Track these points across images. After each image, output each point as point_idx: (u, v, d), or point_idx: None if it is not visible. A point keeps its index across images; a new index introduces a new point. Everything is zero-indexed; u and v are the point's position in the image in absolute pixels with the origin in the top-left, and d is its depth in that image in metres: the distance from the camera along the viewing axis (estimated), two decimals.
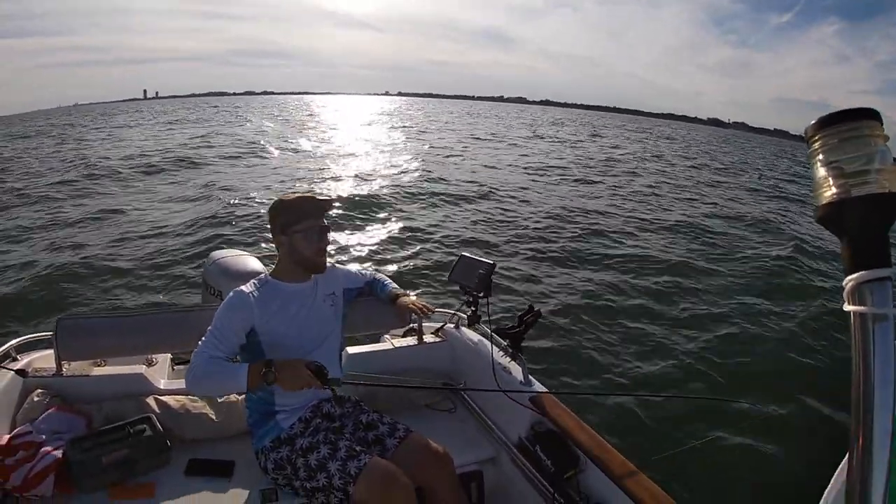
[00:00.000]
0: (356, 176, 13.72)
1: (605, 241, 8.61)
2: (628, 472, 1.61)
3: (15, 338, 2.14)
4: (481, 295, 2.25)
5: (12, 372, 1.96)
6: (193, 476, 1.83)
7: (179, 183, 12.37)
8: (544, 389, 2.06)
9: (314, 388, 1.62)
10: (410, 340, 2.52)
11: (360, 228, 8.68)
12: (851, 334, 0.50)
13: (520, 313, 2.20)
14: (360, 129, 34.42)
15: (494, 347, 2.20)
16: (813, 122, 0.51)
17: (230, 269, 2.57)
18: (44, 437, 1.75)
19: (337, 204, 9.86)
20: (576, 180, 15.24)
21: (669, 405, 3.90)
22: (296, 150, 20.22)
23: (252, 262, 2.64)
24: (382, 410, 1.98)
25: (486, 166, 17.05)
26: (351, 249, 7.49)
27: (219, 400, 2.07)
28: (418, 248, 7.71)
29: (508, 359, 2.21)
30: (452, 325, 2.59)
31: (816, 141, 0.51)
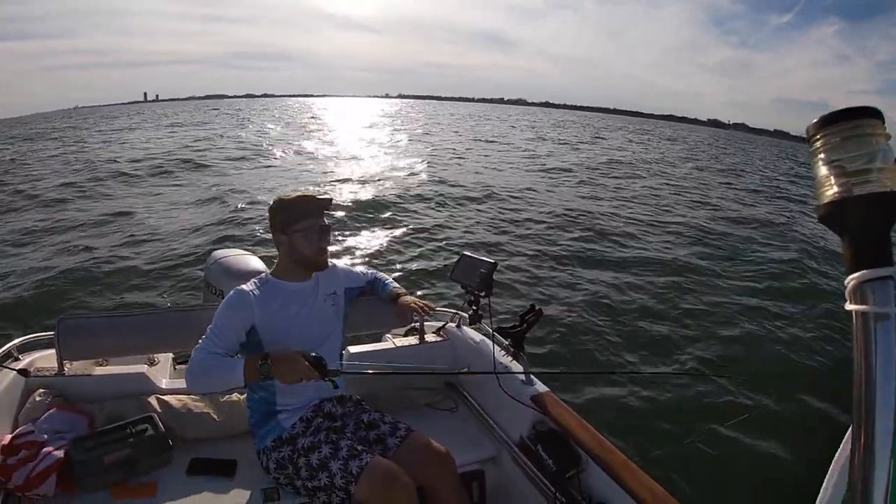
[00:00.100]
0: (362, 178, 13.75)
1: (608, 241, 8.60)
2: (630, 471, 1.61)
3: (17, 337, 2.15)
4: (483, 294, 2.25)
5: (14, 372, 1.96)
6: (195, 475, 1.83)
7: (185, 185, 12.37)
8: (546, 389, 2.06)
9: (313, 380, 1.59)
10: (412, 340, 2.52)
11: (366, 229, 8.68)
12: (853, 333, 0.50)
13: (521, 312, 2.20)
14: (363, 131, 34.44)
15: (496, 346, 2.20)
16: (815, 120, 0.51)
17: (231, 269, 2.57)
18: (46, 436, 1.75)
19: (344, 205, 9.88)
20: (579, 182, 15.24)
21: (670, 404, 3.91)
22: (300, 153, 20.23)
23: (253, 262, 2.64)
24: (383, 410, 1.98)
25: (490, 168, 17.07)
26: (356, 250, 7.49)
27: (221, 399, 2.07)
28: (423, 248, 7.71)
29: (510, 358, 2.21)
30: (454, 325, 2.59)
31: (818, 140, 0.51)
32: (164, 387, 2.15)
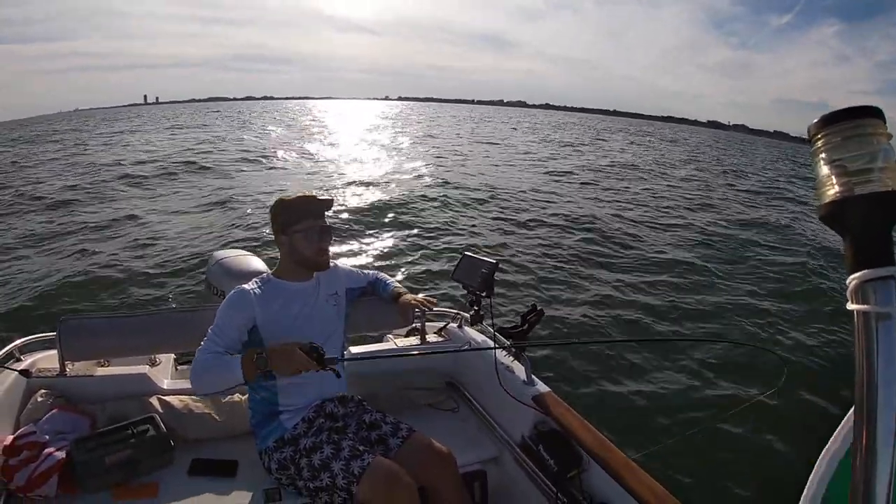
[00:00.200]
0: (365, 179, 13.79)
1: (610, 243, 8.60)
2: (632, 471, 1.61)
3: (18, 338, 2.15)
4: (484, 294, 2.25)
5: (16, 372, 1.96)
6: (197, 476, 1.83)
7: (189, 188, 12.37)
8: (547, 389, 2.06)
9: (312, 370, 1.58)
10: (413, 340, 2.52)
11: (370, 231, 8.68)
12: (855, 333, 0.50)
13: (523, 313, 2.20)
14: (365, 133, 34.47)
15: (497, 347, 2.20)
16: (816, 120, 0.51)
17: (233, 269, 2.56)
18: (47, 437, 1.75)
19: (347, 206, 9.89)
20: (581, 183, 15.24)
21: (672, 404, 3.90)
22: (304, 155, 20.27)
23: (255, 262, 2.64)
24: (385, 410, 1.98)
25: (492, 169, 17.10)
26: (360, 252, 7.50)
27: (222, 400, 2.07)
28: (425, 250, 7.73)
29: (511, 358, 2.20)
30: (455, 325, 2.59)
31: (819, 139, 0.51)
32: (165, 387, 2.15)
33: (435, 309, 2.37)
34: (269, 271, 1.98)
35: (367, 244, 7.94)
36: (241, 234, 8.08)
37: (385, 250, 7.66)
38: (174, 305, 5.35)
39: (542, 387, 2.07)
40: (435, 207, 10.44)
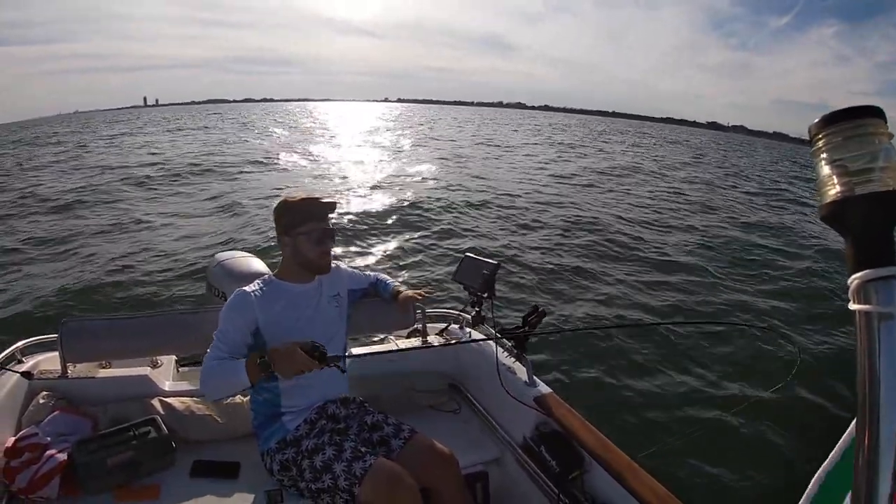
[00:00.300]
0: (369, 182, 13.82)
1: (612, 244, 8.59)
2: (633, 472, 1.60)
3: (20, 340, 2.15)
4: (485, 295, 2.25)
5: (18, 374, 1.96)
6: (198, 477, 1.83)
7: (193, 190, 12.36)
8: (548, 390, 2.06)
9: (315, 369, 1.59)
10: (415, 341, 2.52)
11: (373, 233, 8.66)
12: (856, 333, 0.50)
13: (524, 314, 2.20)
14: (367, 135, 34.46)
15: (499, 348, 2.20)
16: (817, 119, 0.51)
17: (234, 271, 2.57)
18: (49, 439, 1.75)
19: (351, 208, 9.90)
20: (583, 185, 15.24)
21: (674, 405, 3.90)
22: (308, 157, 20.26)
23: (256, 264, 2.64)
24: (387, 411, 1.97)
25: (494, 171, 17.10)
26: (363, 253, 7.50)
27: (224, 401, 2.07)
28: (427, 251, 7.74)
29: (513, 359, 2.20)
30: (457, 326, 2.59)
31: (820, 139, 0.51)
32: (167, 389, 2.15)
33: (436, 310, 2.37)
34: (271, 273, 1.98)
35: (369, 245, 7.94)
36: (245, 236, 8.08)
37: (387, 252, 7.67)
38: (176, 307, 5.35)
39: (543, 388, 2.07)
40: (437, 209, 10.44)
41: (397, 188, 12.66)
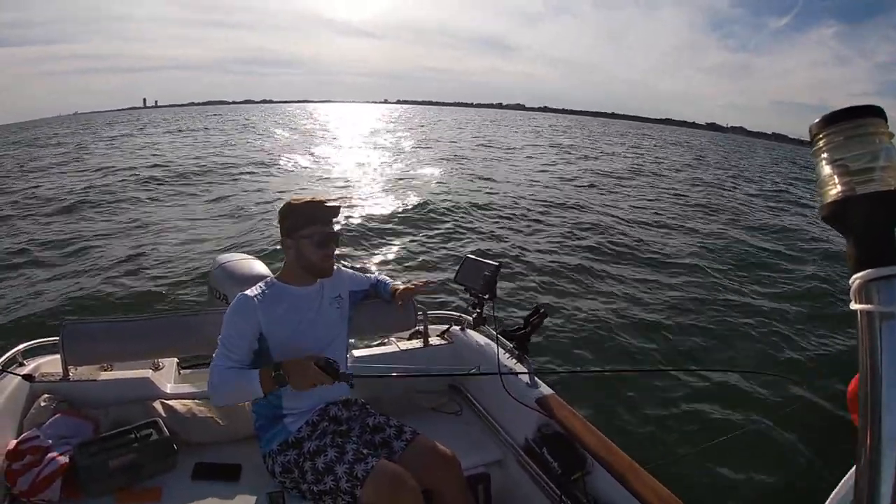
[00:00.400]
0: (372, 183, 13.89)
1: (613, 245, 8.59)
2: (636, 473, 1.60)
3: (22, 343, 2.15)
4: (486, 296, 2.25)
5: (19, 377, 1.96)
6: (200, 480, 1.83)
7: (196, 192, 12.36)
8: (550, 391, 2.06)
9: (326, 384, 1.62)
10: (416, 343, 2.52)
11: (375, 234, 8.67)
12: (858, 333, 0.50)
13: (526, 315, 2.20)
14: (368, 137, 34.49)
15: (500, 349, 2.20)
16: (817, 119, 0.51)
17: (235, 273, 2.57)
18: (50, 441, 1.75)
19: (355, 210, 9.91)
20: (584, 186, 15.25)
21: (676, 406, 3.89)
22: (312, 158, 20.29)
23: (257, 266, 2.64)
24: (388, 413, 1.97)
25: (496, 172, 17.11)
26: (366, 256, 7.51)
27: None
28: (429, 252, 7.74)
29: (514, 360, 2.20)
30: (458, 328, 2.59)
31: (821, 139, 0.51)
32: (168, 391, 2.15)
33: (438, 312, 2.37)
34: (273, 275, 1.98)
35: (371, 246, 7.94)
36: (250, 238, 8.08)
37: (389, 253, 7.67)
38: (177, 309, 5.35)
39: (545, 389, 2.07)
40: (438, 210, 10.45)
41: (400, 189, 12.69)
